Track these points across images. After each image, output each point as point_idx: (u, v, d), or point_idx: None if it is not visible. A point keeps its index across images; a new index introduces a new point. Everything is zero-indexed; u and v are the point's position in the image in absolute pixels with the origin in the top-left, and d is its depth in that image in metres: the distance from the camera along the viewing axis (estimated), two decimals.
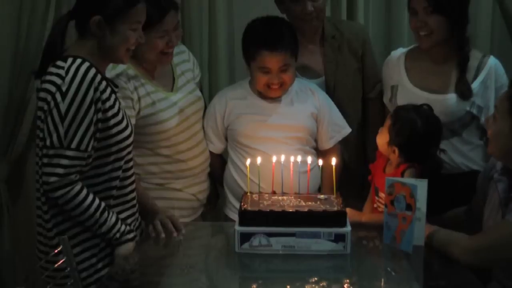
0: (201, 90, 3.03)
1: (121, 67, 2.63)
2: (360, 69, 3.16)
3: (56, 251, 2.20)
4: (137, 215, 2.54)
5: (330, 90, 3.07)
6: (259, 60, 2.75)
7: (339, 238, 2.30)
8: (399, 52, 3.04)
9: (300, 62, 2.96)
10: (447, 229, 2.37)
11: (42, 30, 3.26)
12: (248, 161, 2.63)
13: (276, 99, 2.88)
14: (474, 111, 2.81)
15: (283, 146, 2.82)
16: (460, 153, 2.85)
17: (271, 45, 2.73)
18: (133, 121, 2.63)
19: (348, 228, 2.32)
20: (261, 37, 2.76)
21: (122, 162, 2.41)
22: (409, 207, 2.31)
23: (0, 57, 3.29)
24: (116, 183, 2.40)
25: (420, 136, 2.59)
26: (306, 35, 3.04)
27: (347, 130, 3.00)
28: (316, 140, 2.97)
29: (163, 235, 2.54)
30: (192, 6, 3.47)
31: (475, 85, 2.81)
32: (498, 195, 2.35)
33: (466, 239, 2.28)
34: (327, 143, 2.96)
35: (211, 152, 2.96)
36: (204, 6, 3.49)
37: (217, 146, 2.97)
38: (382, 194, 2.59)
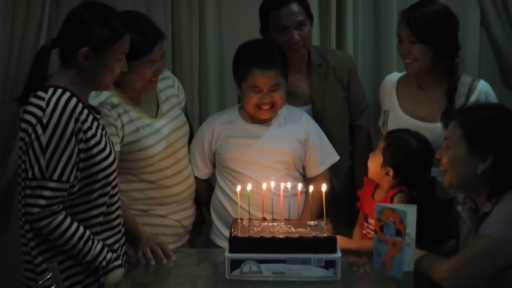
0: (187, 115, 3.05)
1: (104, 95, 2.65)
2: (346, 97, 3.18)
3: (46, 278, 2.18)
4: (122, 241, 2.54)
5: (318, 118, 3.09)
6: (250, 79, 2.77)
7: (330, 264, 2.30)
8: (393, 77, 3.07)
9: (287, 90, 2.98)
10: (433, 254, 2.38)
11: (33, 57, 3.26)
12: (238, 188, 2.63)
13: (264, 124, 2.89)
14: None
15: (270, 171, 2.82)
16: None
17: (262, 64, 2.75)
18: (117, 148, 2.64)
19: (338, 254, 2.31)
20: (253, 57, 2.79)
21: (110, 188, 2.42)
22: (399, 233, 2.31)
23: None
24: (103, 209, 2.41)
25: (415, 156, 2.62)
26: (293, 64, 3.05)
27: (336, 157, 3.00)
28: (304, 167, 2.97)
29: (153, 262, 2.53)
30: (183, 34, 3.50)
31: None
32: (466, 224, 2.38)
33: (442, 262, 2.29)
34: (316, 169, 2.96)
35: (196, 178, 2.95)
36: (194, 34, 3.51)
37: (202, 171, 2.97)
38: (371, 220, 2.59)
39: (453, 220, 2.60)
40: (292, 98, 3.07)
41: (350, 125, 3.23)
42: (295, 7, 2.99)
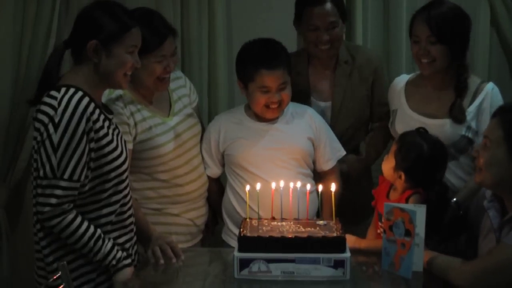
0: (199, 115, 3.06)
1: (117, 93, 2.66)
2: (368, 97, 3.17)
3: (55, 277, 2.19)
4: (134, 239, 2.55)
5: (335, 114, 3.10)
6: (258, 80, 2.77)
7: (339, 264, 2.30)
8: (402, 79, 3.06)
9: (312, 84, 2.99)
10: (446, 255, 2.37)
11: (43, 57, 3.28)
12: (247, 188, 2.64)
13: (271, 122, 2.89)
14: (470, 135, 2.81)
15: (281, 170, 2.83)
16: (459, 178, 2.85)
17: (269, 64, 2.76)
18: (130, 146, 2.65)
19: (347, 254, 2.32)
20: (259, 57, 2.78)
21: (123, 186, 2.43)
22: (408, 233, 2.31)
23: (0, 83, 3.32)
24: (116, 208, 2.42)
25: (426, 160, 2.59)
26: (321, 60, 3.08)
27: (342, 152, 3.01)
28: (314, 162, 2.97)
29: (162, 261, 2.53)
30: (192, 32, 3.50)
31: (471, 109, 2.81)
32: (490, 222, 2.36)
33: (463, 264, 2.27)
34: (326, 165, 2.97)
35: (208, 177, 2.96)
36: (204, 32, 3.52)
37: (213, 170, 2.97)
38: None
39: (474, 213, 2.57)
40: (315, 92, 3.08)
41: (367, 125, 3.23)
42: (328, 6, 2.99)
